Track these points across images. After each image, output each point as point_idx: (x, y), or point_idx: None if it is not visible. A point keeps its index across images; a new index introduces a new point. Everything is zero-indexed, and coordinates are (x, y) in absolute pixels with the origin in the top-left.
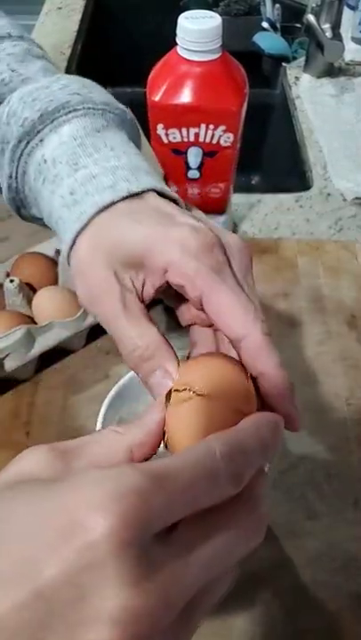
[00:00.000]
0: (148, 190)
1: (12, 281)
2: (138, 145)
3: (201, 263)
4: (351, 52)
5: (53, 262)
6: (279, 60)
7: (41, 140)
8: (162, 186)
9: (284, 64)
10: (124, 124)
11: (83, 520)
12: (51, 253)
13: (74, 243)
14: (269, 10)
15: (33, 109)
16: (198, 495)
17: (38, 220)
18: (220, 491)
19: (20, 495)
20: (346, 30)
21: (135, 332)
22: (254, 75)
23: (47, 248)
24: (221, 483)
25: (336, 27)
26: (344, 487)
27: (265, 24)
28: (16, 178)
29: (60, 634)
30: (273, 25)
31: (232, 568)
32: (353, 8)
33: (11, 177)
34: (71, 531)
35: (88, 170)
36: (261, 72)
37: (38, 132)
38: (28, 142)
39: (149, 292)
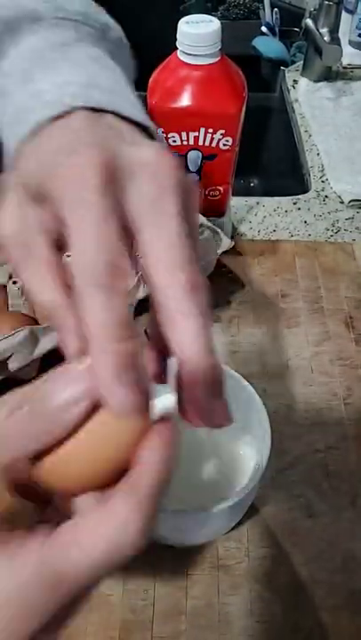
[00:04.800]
0: (102, 111)
1: (14, 282)
2: (128, 70)
3: (66, 196)
4: (349, 55)
5: None
6: (278, 64)
7: (1, 53)
8: (118, 107)
9: (282, 68)
10: (104, 42)
11: None
12: None
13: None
14: (268, 14)
15: None
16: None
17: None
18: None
19: None
20: (344, 34)
21: (37, 288)
22: (253, 78)
23: None
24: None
25: (334, 31)
26: (343, 485)
27: (264, 28)
28: None
29: None
30: (272, 29)
31: None
32: (351, 12)
33: None
34: None
35: (37, 85)
36: (260, 76)
37: None
38: None
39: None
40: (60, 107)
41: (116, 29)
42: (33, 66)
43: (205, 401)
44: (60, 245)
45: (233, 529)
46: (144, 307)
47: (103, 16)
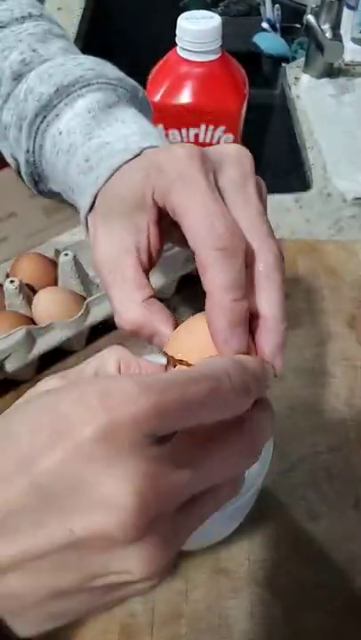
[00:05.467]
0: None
1: (12, 282)
2: (149, 120)
3: (175, 177)
4: (351, 52)
5: (53, 263)
6: (279, 61)
7: (57, 115)
8: None
9: (283, 64)
10: (135, 101)
11: (70, 418)
12: (50, 254)
13: (91, 208)
14: (269, 10)
15: (49, 84)
16: (201, 409)
17: (56, 195)
18: (227, 410)
19: (23, 406)
20: (346, 31)
21: (123, 307)
22: (254, 75)
23: (47, 249)
24: (230, 400)
25: (336, 27)
26: (345, 488)
27: (265, 24)
28: (33, 152)
29: (58, 519)
30: (273, 25)
31: (233, 481)
32: (353, 8)
33: (28, 151)
34: (60, 429)
35: (101, 138)
36: (261, 72)
37: (54, 106)
38: (44, 117)
39: (154, 235)
40: (133, 151)
41: (141, 90)
42: (90, 124)
43: (273, 352)
44: (145, 266)
45: (234, 532)
46: None
47: (133, 81)
